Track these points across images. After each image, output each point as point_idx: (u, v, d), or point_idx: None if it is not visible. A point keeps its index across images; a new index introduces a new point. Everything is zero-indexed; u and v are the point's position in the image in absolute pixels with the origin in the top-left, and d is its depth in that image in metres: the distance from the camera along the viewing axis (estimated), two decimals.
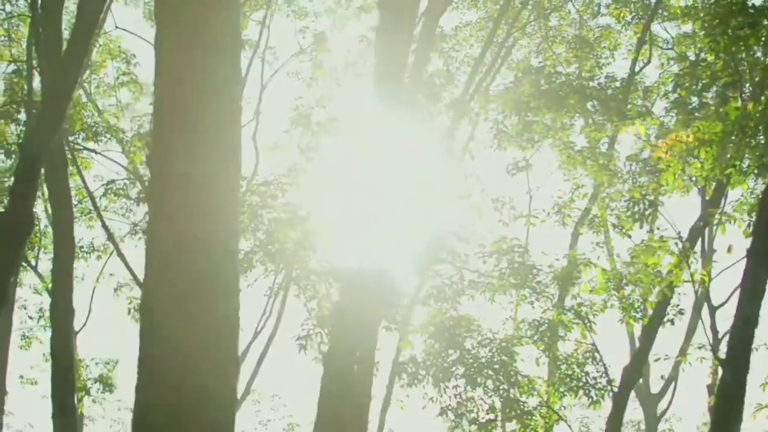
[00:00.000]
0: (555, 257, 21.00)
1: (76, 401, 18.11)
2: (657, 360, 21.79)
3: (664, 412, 31.69)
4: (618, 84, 21.92)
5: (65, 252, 17.57)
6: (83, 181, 27.04)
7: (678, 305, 20.51)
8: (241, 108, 7.55)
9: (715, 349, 23.39)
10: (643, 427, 33.65)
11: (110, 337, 41.08)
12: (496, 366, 20.81)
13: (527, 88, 20.29)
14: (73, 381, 17.88)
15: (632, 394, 24.49)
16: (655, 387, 31.84)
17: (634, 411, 33.50)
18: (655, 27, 26.01)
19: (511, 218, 25.49)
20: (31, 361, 27.00)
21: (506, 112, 20.53)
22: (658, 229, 20.30)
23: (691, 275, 18.77)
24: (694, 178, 18.21)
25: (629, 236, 22.49)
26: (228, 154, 7.19)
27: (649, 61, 24.78)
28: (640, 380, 27.73)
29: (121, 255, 26.62)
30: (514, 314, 22.88)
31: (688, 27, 25.51)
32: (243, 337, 28.84)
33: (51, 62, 15.03)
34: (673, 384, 31.30)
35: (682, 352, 26.20)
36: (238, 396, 27.61)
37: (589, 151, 20.23)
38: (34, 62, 22.90)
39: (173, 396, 6.65)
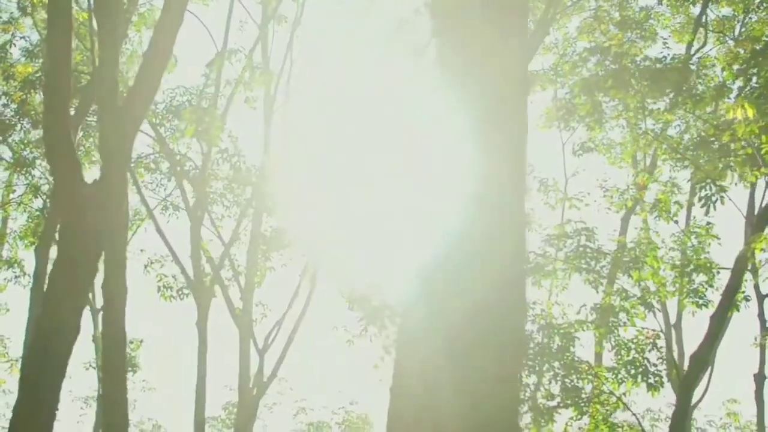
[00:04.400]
0: (621, 242, 20.50)
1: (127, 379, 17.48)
2: None
3: (699, 401, 31.23)
4: (679, 65, 21.47)
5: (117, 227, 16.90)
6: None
7: (744, 291, 20.13)
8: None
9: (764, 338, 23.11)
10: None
11: (135, 316, 39.93)
12: (554, 351, 20.35)
13: (596, 68, 19.80)
14: (124, 359, 17.23)
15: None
16: None
17: (663, 399, 33.15)
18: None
19: (557, 201, 25.08)
20: None
21: (575, 91, 20.01)
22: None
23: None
24: None
25: (675, 221, 22.15)
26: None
27: (704, 44, 24.34)
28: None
29: (159, 231, 25.91)
30: (556, 298, 22.49)
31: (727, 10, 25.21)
32: (271, 317, 28.30)
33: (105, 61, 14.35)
34: (708, 371, 30.83)
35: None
36: (265, 379, 27.32)
37: (662, 135, 19.76)
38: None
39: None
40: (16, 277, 28.66)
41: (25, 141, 27.57)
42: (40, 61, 25.92)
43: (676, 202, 22.27)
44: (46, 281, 12.55)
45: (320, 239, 27.40)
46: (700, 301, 20.75)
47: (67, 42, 13.15)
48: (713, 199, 19.05)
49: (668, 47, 22.42)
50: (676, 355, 26.44)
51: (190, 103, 26.70)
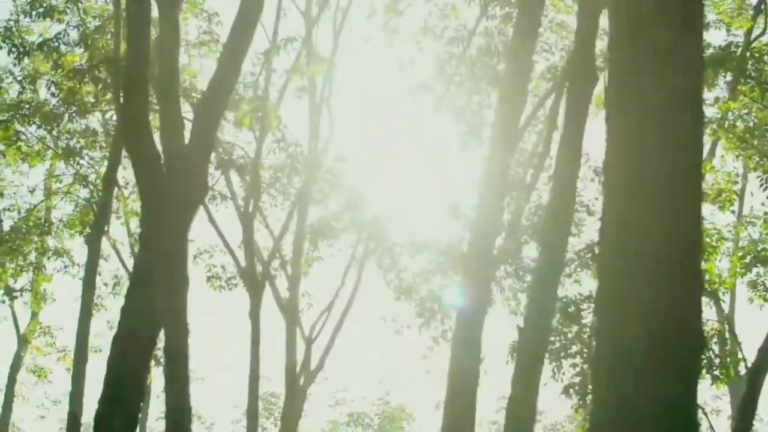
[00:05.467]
0: None
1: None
2: None
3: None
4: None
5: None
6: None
7: None
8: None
9: None
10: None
11: None
12: None
13: None
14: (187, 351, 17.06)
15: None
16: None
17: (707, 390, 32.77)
18: None
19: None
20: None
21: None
22: None
23: None
24: None
25: (732, 211, 21.87)
26: None
27: (764, 32, 23.93)
28: None
29: (212, 220, 25.74)
30: None
31: None
32: (317, 307, 28.12)
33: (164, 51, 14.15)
34: None
35: None
36: (312, 368, 27.18)
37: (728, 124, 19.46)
38: None
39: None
40: (65, 267, 28.62)
41: (72, 131, 27.40)
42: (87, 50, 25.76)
43: (733, 192, 22.02)
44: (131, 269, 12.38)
45: (368, 229, 27.28)
46: None
47: (147, 31, 13.03)
48: None
49: (732, 34, 22.12)
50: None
51: (236, 92, 26.47)
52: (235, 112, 26.27)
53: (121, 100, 13.73)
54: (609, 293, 6.25)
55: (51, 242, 29.34)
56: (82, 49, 25.77)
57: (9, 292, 29.46)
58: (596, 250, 20.57)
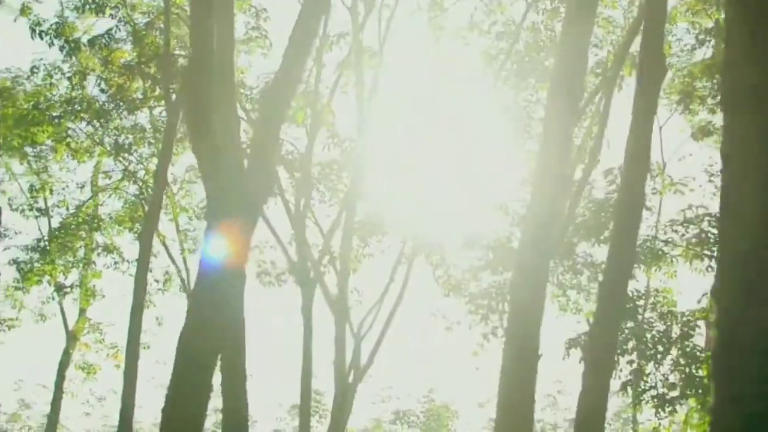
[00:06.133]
0: None
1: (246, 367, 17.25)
2: None
3: None
4: None
5: None
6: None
7: None
8: None
9: None
10: None
11: None
12: (672, 340, 19.91)
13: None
14: (243, 345, 16.99)
15: None
16: None
17: None
18: None
19: (663, 186, 24.51)
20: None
21: (695, 75, 19.49)
22: None
23: None
24: None
25: None
26: None
27: None
28: None
29: (265, 218, 25.61)
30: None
31: None
32: (366, 303, 27.97)
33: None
34: None
35: None
36: (361, 365, 27.04)
37: None
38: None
39: None
40: (114, 263, 28.65)
41: (120, 127, 27.46)
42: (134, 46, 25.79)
43: None
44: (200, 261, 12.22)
45: (417, 225, 27.12)
46: None
47: (209, 23, 12.90)
48: None
49: None
50: None
51: None
52: None
53: (183, 92, 13.64)
54: (729, 284, 6.06)
55: (99, 239, 29.40)
56: (130, 46, 25.85)
57: (59, 288, 29.50)
58: (654, 245, 20.39)
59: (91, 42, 24.43)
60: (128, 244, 29.25)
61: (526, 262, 17.63)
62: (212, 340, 11.95)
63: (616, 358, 20.16)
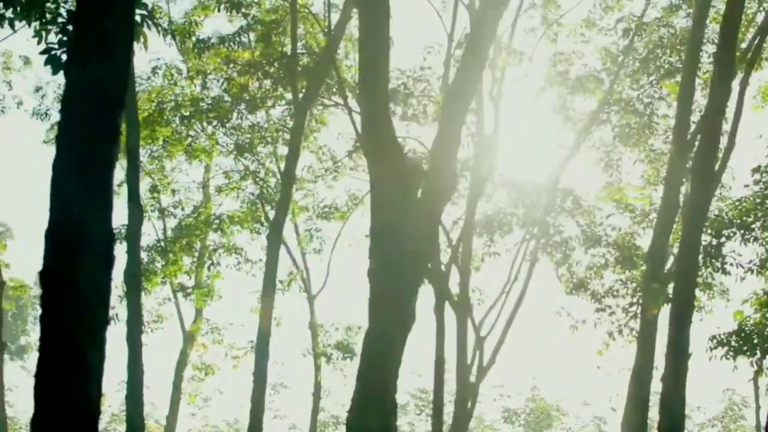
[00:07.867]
0: None
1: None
2: None
3: None
4: None
5: None
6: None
7: None
8: None
9: None
10: None
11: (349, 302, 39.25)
12: None
13: None
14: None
15: None
16: None
17: None
18: None
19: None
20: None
21: None
22: None
23: None
24: None
25: None
26: None
27: None
28: None
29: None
30: None
31: None
32: (487, 302, 27.71)
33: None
34: None
35: None
36: (484, 363, 26.79)
37: None
38: None
39: None
40: (237, 263, 28.55)
41: (239, 126, 27.39)
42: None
43: None
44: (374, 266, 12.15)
45: (540, 223, 26.81)
46: None
47: (387, 30, 12.79)
48: None
49: None
50: None
51: (405, 86, 26.22)
52: (403, 107, 26.09)
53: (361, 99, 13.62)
54: None
55: (217, 239, 29.34)
56: (252, 45, 25.83)
57: (182, 288, 29.51)
58: None
59: (222, 41, 24.44)
60: (246, 244, 29.23)
61: (682, 262, 17.42)
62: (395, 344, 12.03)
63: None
